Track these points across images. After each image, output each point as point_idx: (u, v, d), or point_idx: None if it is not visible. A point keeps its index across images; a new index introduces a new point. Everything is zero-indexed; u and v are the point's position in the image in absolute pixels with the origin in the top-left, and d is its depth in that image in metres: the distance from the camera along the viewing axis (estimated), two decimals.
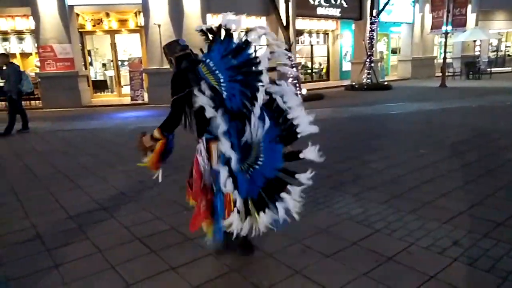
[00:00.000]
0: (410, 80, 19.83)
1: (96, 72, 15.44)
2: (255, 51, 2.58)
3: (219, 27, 2.64)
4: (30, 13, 12.65)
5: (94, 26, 14.26)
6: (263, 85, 2.44)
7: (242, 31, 2.61)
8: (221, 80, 2.50)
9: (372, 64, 16.20)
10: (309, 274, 2.52)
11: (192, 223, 2.61)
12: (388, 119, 8.87)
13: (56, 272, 2.67)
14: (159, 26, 12.65)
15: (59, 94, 12.78)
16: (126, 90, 14.69)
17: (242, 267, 2.64)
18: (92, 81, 14.87)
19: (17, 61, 12.88)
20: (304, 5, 16.37)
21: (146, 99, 13.56)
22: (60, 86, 12.76)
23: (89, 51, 14.89)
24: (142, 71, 13.54)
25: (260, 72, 2.46)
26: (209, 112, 2.36)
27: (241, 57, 2.53)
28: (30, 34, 14.00)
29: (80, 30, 13.86)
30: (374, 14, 16.03)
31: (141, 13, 13.33)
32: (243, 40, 2.56)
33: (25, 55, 14.48)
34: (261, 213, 2.39)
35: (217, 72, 2.53)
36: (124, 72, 14.96)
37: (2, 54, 8.42)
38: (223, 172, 2.30)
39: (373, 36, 16.20)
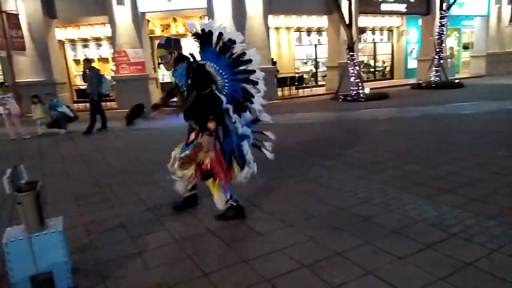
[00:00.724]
0: (484, 78, 18.37)
1: (163, 75, 16.32)
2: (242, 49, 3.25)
3: (203, 31, 3.27)
4: (107, 21, 13.76)
5: (162, 31, 15.12)
6: (259, 79, 3.31)
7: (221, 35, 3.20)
8: (226, 80, 3.29)
9: (442, 61, 15.27)
10: (382, 275, 2.49)
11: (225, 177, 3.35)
12: (461, 119, 8.33)
13: (139, 258, 2.91)
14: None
15: (131, 95, 13.70)
16: None
17: (313, 264, 2.68)
18: (160, 83, 15.76)
19: (95, 65, 14.06)
20: (367, 2, 15.92)
21: None
22: (132, 88, 13.71)
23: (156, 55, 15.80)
24: None
25: (254, 71, 3.29)
26: (226, 106, 3.20)
27: (234, 55, 3.25)
28: (107, 40, 15.22)
29: (150, 35, 14.77)
30: (444, 7, 15.11)
31: (206, 17, 13.86)
32: (228, 39, 3.21)
33: (102, 60, 15.77)
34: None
35: (221, 71, 3.27)
36: None
37: (86, 59, 9.28)
38: (246, 144, 3.40)
39: (443, 31, 15.29)
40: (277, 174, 4.81)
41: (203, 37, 3.29)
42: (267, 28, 13.75)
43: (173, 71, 3.31)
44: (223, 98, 3.19)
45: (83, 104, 12.82)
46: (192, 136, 3.46)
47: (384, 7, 16.69)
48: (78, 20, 14.87)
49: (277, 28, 16.70)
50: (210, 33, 3.25)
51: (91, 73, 8.84)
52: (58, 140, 8.37)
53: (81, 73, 10.34)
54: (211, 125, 3.09)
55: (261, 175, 4.75)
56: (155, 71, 15.03)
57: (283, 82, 14.89)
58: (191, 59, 3.18)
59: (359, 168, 4.90)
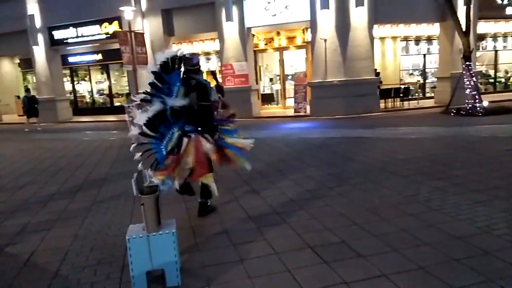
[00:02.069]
0: None
1: (264, 86, 16.87)
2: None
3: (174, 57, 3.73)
4: (217, 36, 14.81)
5: (266, 44, 15.68)
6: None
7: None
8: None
9: None
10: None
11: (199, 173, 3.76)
12: None
13: (241, 266, 3.00)
14: (325, 40, 13.00)
15: (234, 106, 14.43)
16: (290, 102, 15.58)
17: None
18: (261, 94, 16.31)
19: (204, 78, 15.17)
20: (488, 6, 14.32)
21: (308, 111, 14.08)
22: (235, 99, 14.37)
23: (259, 67, 16.42)
24: (306, 84, 14.14)
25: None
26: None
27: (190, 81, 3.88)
28: (215, 54, 16.35)
29: (254, 49, 15.43)
30: None
31: (309, 30, 13.96)
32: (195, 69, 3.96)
33: (210, 73, 16.95)
34: None
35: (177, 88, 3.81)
36: (289, 86, 15.93)
37: (212, 71, 10.07)
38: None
39: None
40: (382, 193, 4.56)
41: (165, 66, 3.73)
42: (372, 39, 13.26)
43: None
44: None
45: None
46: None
47: (510, 10, 14.80)
48: (191, 36, 16.30)
49: (382, 38, 16.00)
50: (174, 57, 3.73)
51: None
52: None
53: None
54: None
55: (363, 192, 4.59)
56: (257, 83, 15.62)
57: (387, 93, 14.15)
58: (197, 78, 3.95)
59: (477, 192, 4.35)
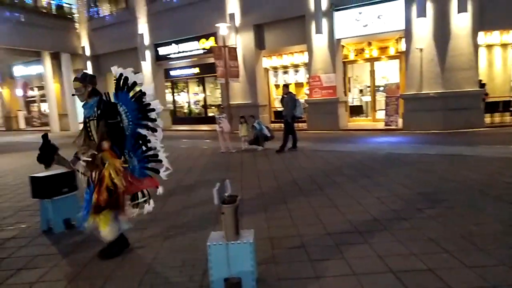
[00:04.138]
0: None
1: (353, 98, 16.42)
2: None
3: (120, 76, 3.73)
4: (306, 49, 14.92)
5: (356, 55, 15.30)
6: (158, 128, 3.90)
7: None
8: (130, 121, 3.78)
9: None
10: None
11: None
12: None
13: (317, 284, 2.96)
14: (420, 50, 12.22)
15: (320, 118, 14.38)
16: (380, 115, 14.89)
17: None
18: (350, 106, 15.90)
19: (292, 90, 15.37)
20: None
21: (399, 124, 13.30)
22: (322, 111, 14.36)
23: (348, 78, 16.04)
24: (398, 96, 13.40)
25: (155, 119, 3.84)
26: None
27: (141, 104, 3.75)
28: (304, 66, 16.46)
29: (343, 60, 15.17)
30: None
31: (403, 39, 13.27)
32: (140, 91, 3.74)
33: (298, 85, 17.12)
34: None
35: (128, 113, 3.76)
36: (379, 98, 15.26)
37: (285, 85, 10.30)
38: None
39: None
40: (481, 219, 4.12)
41: (118, 82, 3.76)
42: (476, 47, 12.06)
43: (84, 103, 3.65)
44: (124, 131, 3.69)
45: (278, 124, 14.16)
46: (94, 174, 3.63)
47: None
48: (281, 49, 16.67)
49: (488, 46, 14.42)
50: (125, 78, 3.73)
51: (288, 97, 9.73)
52: (255, 156, 9.50)
53: (280, 97, 11.52)
54: (106, 145, 3.46)
55: (458, 217, 4.17)
56: (345, 95, 15.29)
57: (494, 107, 12.67)
58: (104, 96, 3.67)
59: None
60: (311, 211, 4.73)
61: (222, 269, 2.81)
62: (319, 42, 14.27)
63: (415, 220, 4.20)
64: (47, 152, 3.88)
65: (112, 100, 3.77)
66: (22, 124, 28.56)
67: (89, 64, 22.67)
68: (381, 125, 14.00)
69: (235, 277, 2.81)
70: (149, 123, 3.83)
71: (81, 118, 25.21)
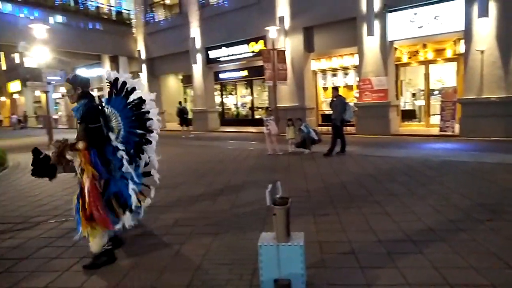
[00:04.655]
0: None
1: (405, 102, 15.80)
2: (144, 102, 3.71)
3: (116, 80, 3.67)
4: (356, 51, 14.62)
5: (409, 58, 14.74)
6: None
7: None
8: (121, 127, 3.64)
9: None
10: None
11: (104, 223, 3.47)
12: None
13: None
14: (481, 52, 11.50)
15: (370, 121, 14.00)
16: (434, 120, 14.21)
17: None
18: (401, 110, 15.32)
19: (341, 93, 15.10)
20: None
21: (456, 130, 12.60)
22: (372, 114, 13.96)
23: (401, 82, 15.47)
24: (456, 101, 12.70)
25: (152, 131, 3.84)
26: (114, 142, 3.53)
27: (138, 111, 3.68)
28: (353, 69, 16.13)
29: (396, 62, 14.66)
30: None
31: (461, 41, 12.58)
32: (140, 98, 3.68)
33: (347, 88, 16.80)
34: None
35: (120, 118, 3.63)
36: (434, 102, 14.56)
37: (334, 88, 10.14)
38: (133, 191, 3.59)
39: None
40: None
41: (113, 86, 3.70)
42: None
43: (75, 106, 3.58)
44: (112, 136, 3.53)
45: (326, 127, 13.97)
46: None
47: None
48: (330, 52, 16.47)
49: None
50: (123, 83, 3.67)
51: (337, 100, 9.58)
52: (302, 159, 9.44)
53: (329, 100, 11.39)
54: (81, 145, 3.36)
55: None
56: (397, 98, 14.76)
57: None
58: (91, 98, 3.54)
59: None
60: (361, 217, 4.63)
61: (272, 270, 2.83)
62: (371, 44, 13.91)
63: (474, 232, 3.96)
64: (42, 165, 3.63)
65: (104, 104, 3.65)
66: None
67: (144, 67, 23.80)
68: (435, 131, 13.34)
69: (284, 278, 2.83)
70: (144, 132, 3.74)
71: None
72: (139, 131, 3.71)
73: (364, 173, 7.30)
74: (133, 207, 3.62)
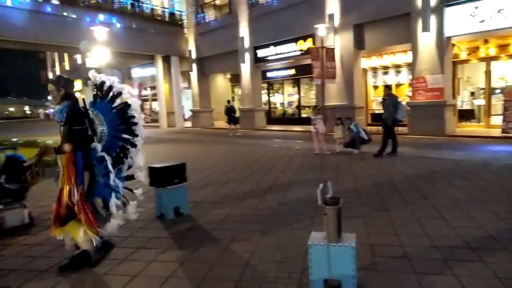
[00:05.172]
0: None
1: (462, 101, 14.90)
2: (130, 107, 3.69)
3: (102, 84, 3.63)
4: (409, 48, 14.00)
5: (469, 54, 13.87)
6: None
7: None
8: (105, 130, 3.59)
9: None
10: None
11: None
12: None
13: None
14: None
15: (424, 121, 13.35)
16: (496, 121, 13.26)
17: None
18: (458, 110, 14.47)
19: (393, 91, 14.55)
20: None
21: None
22: (426, 114, 13.30)
23: (458, 80, 14.61)
24: None
25: (137, 135, 3.75)
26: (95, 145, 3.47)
27: (124, 116, 3.66)
28: (406, 67, 15.48)
29: (453, 59, 13.86)
30: None
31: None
32: (126, 103, 3.66)
33: (399, 86, 16.15)
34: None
35: (104, 123, 3.59)
36: (495, 101, 13.59)
37: (386, 86, 9.80)
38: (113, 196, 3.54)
39: None
40: None
41: (99, 89, 3.65)
42: None
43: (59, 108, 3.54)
44: (95, 140, 3.50)
45: (376, 127, 13.54)
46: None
47: None
48: (382, 49, 15.93)
49: None
50: (109, 87, 3.62)
51: (389, 99, 9.25)
52: (351, 159, 9.23)
53: (379, 98, 11.02)
54: (67, 147, 3.33)
55: None
56: (454, 97, 13.96)
57: None
58: (75, 100, 3.51)
59: None
60: (414, 221, 4.45)
61: (322, 270, 2.81)
62: (426, 40, 13.25)
63: None
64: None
65: (88, 107, 3.60)
66: None
67: (194, 66, 24.48)
68: (496, 132, 12.44)
69: (335, 279, 2.80)
70: (129, 137, 3.70)
71: (187, 115, 27.24)
72: (124, 135, 3.67)
73: (417, 175, 7.00)
74: (114, 214, 3.57)
